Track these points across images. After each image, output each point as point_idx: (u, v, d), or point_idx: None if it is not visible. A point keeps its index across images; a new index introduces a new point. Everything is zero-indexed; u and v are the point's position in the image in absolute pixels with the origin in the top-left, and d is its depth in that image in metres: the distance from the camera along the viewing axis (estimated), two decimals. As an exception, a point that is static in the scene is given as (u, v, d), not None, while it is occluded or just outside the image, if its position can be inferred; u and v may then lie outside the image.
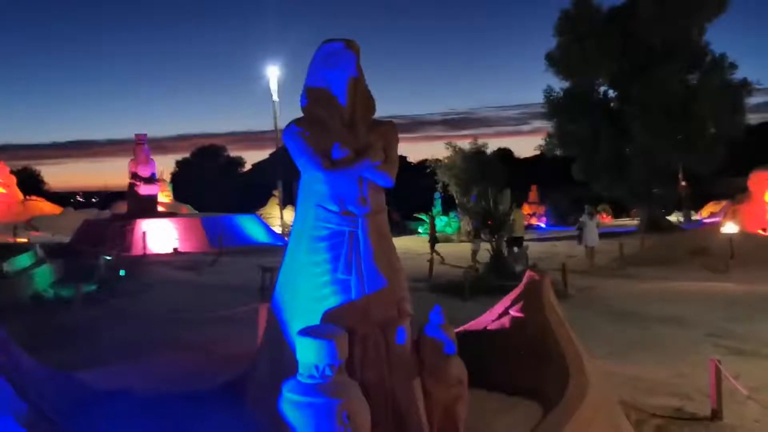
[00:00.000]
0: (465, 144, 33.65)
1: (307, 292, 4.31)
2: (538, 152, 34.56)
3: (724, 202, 37.35)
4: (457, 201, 31.21)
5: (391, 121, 4.64)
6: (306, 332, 3.96)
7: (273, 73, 29.86)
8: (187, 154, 66.92)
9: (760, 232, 19.03)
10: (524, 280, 5.63)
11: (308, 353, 3.87)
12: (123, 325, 10.06)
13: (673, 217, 36.74)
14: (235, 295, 12.94)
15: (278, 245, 21.23)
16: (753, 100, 31.33)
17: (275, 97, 29.66)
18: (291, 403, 3.85)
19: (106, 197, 52.42)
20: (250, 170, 69.40)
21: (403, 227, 37.43)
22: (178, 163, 64.74)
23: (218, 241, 18.49)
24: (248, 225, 21.78)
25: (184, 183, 52.23)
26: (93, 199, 70.93)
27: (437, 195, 34.91)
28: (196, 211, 33.77)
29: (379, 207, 4.38)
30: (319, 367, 3.85)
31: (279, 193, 32.33)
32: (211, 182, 56.13)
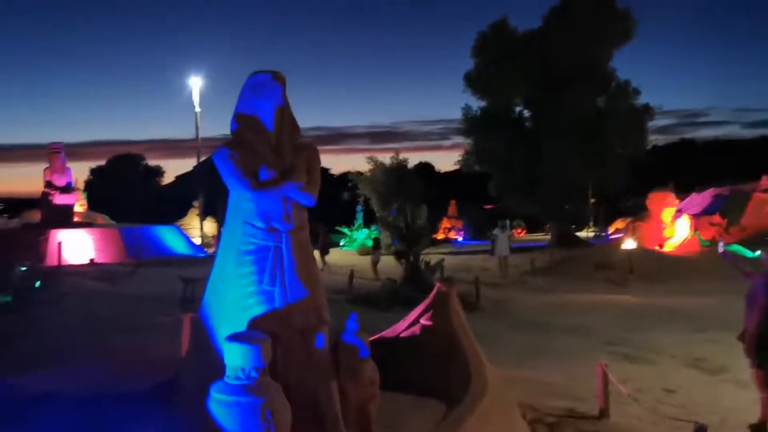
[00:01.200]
0: (386, 158, 34.41)
1: (234, 302, 4.68)
2: (457, 167, 35.63)
3: (629, 220, 39.54)
4: (377, 215, 31.85)
5: (313, 145, 5.08)
6: (234, 338, 4.34)
7: (195, 83, 29.79)
8: (101, 161, 65.17)
9: (657, 248, 20.46)
10: (433, 291, 6.17)
11: (235, 357, 4.24)
12: (42, 333, 10.04)
13: (583, 233, 38.53)
14: (154, 305, 13.03)
15: (198, 257, 21.23)
16: (660, 122, 33.43)
17: (197, 108, 29.55)
18: (219, 403, 4.22)
19: (12, 204, 50.40)
20: (173, 182, 68.28)
21: (327, 240, 37.75)
22: (92, 170, 62.95)
23: (136, 252, 18.37)
24: (168, 236, 21.65)
25: (99, 192, 50.89)
26: (-3, 206, 67.97)
27: (359, 208, 35.48)
28: (113, 222, 33.12)
29: (302, 224, 4.81)
30: (245, 369, 4.22)
31: (199, 204, 32.09)
32: (129, 192, 54.88)
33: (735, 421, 7.16)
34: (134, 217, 34.52)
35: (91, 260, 18.08)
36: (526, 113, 32.75)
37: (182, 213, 40.44)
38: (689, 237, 21.79)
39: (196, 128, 30.01)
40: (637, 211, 37.25)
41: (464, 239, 41.99)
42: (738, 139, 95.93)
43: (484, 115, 31.96)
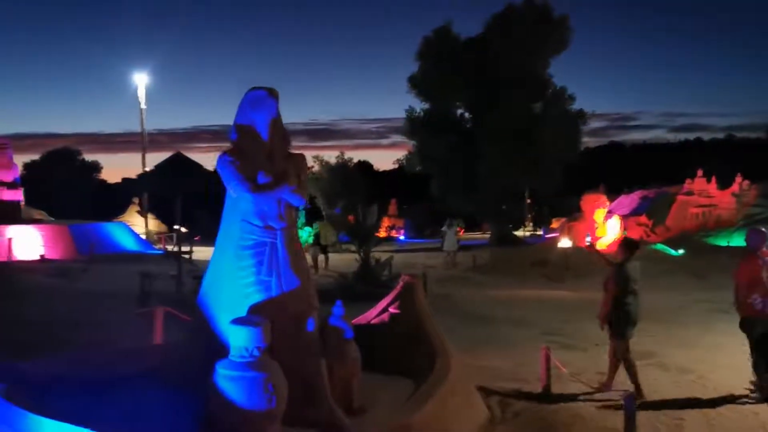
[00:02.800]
0: (331, 157, 35.13)
1: (234, 291, 5.32)
2: (396, 166, 36.68)
3: (563, 220, 41.32)
4: (324, 213, 32.55)
5: (302, 153, 5.77)
6: (238, 321, 4.98)
7: (141, 80, 29.75)
8: (34, 156, 63.52)
9: (587, 246, 21.80)
10: (400, 283, 6.92)
11: (240, 338, 4.88)
12: (10, 328, 10.31)
13: (521, 232, 40.07)
14: (113, 301, 13.38)
15: (148, 253, 21.44)
16: (591, 125, 35.10)
17: (143, 105, 29.53)
18: (225, 378, 4.85)
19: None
20: (119, 183, 67.20)
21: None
22: (26, 165, 61.27)
23: (90, 249, 18.51)
24: (117, 233, 21.76)
25: (33, 187, 49.67)
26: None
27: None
28: (51, 218, 32.67)
29: (292, 222, 5.49)
30: (248, 348, 4.87)
31: (142, 201, 32.02)
32: (64, 188, 53.72)
33: (657, 397, 8.14)
34: (70, 214, 34.13)
35: (42, 256, 18.13)
36: (467, 116, 33.92)
37: (121, 210, 40.14)
38: (619, 236, 23.19)
39: (142, 124, 29.99)
40: (572, 211, 39.07)
41: (406, 237, 42.97)
42: (664, 142, 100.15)
43: (427, 117, 33.00)
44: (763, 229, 8.38)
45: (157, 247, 24.36)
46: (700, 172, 33.13)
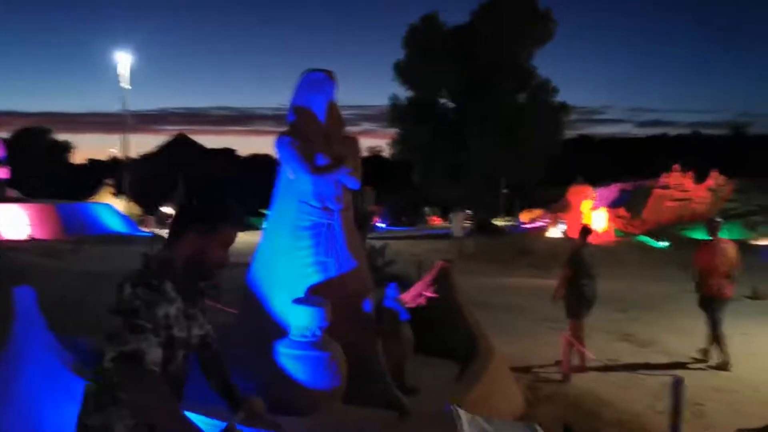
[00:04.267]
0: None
1: (292, 271, 5.37)
2: (368, 154, 36.73)
3: (539, 210, 41.79)
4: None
5: (355, 137, 5.82)
6: (300, 301, 5.04)
7: (123, 59, 29.21)
8: (3, 134, 61.97)
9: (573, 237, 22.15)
10: (435, 268, 7.03)
11: (302, 318, 4.94)
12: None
13: (499, 221, 40.42)
14: (113, 282, 13.26)
15: (136, 235, 21.19)
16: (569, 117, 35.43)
17: (125, 84, 29.04)
18: (288, 357, 4.91)
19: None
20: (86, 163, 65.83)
21: (243, 222, 37.85)
22: (-4, 143, 59.66)
23: (79, 229, 18.25)
24: (104, 214, 21.47)
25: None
26: None
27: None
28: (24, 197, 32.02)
29: (348, 205, 5.55)
30: (311, 328, 4.94)
31: (122, 183, 31.58)
32: (34, 166, 52.58)
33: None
34: (41, 194, 33.47)
35: (30, 236, 17.83)
36: (452, 105, 34.05)
37: (93, 191, 39.43)
38: (606, 228, 23.66)
39: (124, 104, 29.49)
40: (548, 201, 39.52)
41: (386, 225, 43.05)
42: (631, 137, 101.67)
43: (411, 106, 33.04)
44: (720, 219, 9.87)
45: (144, 229, 24.08)
46: (676, 167, 33.78)
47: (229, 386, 2.78)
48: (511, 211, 44.71)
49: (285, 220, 5.50)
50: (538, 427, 2.99)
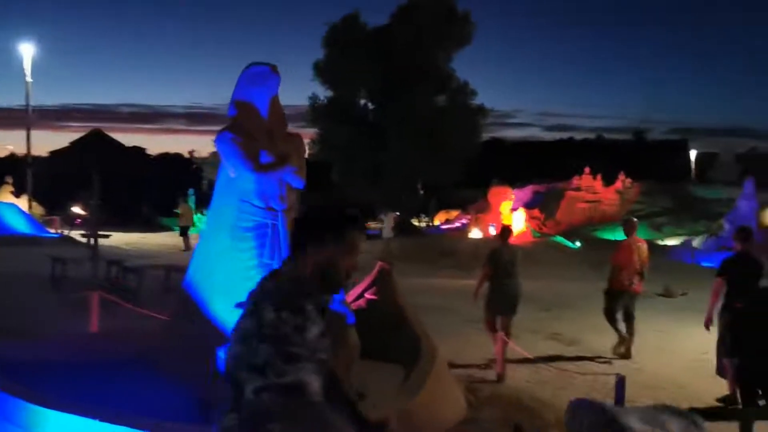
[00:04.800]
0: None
1: (233, 274, 5.10)
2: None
3: (455, 211, 42.38)
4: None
5: (299, 134, 5.61)
6: (243, 305, 4.78)
7: (27, 50, 27.55)
8: None
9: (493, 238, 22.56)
10: (376, 269, 6.88)
11: (246, 323, 4.70)
12: None
13: (417, 223, 40.72)
14: (24, 285, 12.54)
15: (43, 236, 20.06)
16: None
17: (29, 77, 27.40)
18: (232, 364, 4.66)
19: None
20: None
21: (154, 222, 36.62)
22: None
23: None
24: (8, 214, 20.19)
25: None
26: None
27: (191, 191, 34.92)
28: None
29: (292, 204, 5.32)
30: (256, 334, 4.70)
31: (25, 182, 29.75)
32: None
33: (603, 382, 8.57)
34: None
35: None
36: (371, 106, 34.03)
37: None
38: (525, 229, 24.18)
39: (27, 97, 27.81)
40: (464, 202, 40.13)
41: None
42: (540, 140, 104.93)
43: (331, 106, 32.80)
44: (635, 219, 10.64)
45: (51, 230, 22.81)
46: (587, 170, 35.06)
47: (354, 406, 2.58)
48: (427, 212, 45.12)
49: (225, 221, 5.23)
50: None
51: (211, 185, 23.83)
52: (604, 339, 10.81)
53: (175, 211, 35.56)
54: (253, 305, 2.14)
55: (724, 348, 7.46)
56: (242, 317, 2.15)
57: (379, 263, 6.92)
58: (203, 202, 36.35)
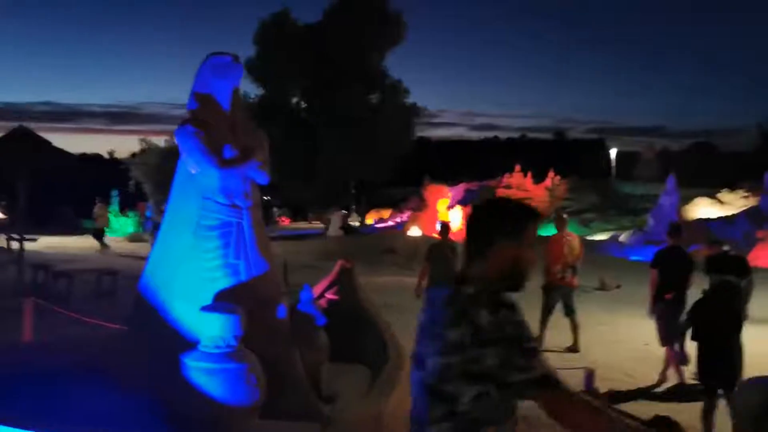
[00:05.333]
0: (160, 140, 33.12)
1: (195, 275, 4.81)
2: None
3: (387, 210, 42.47)
4: (151, 200, 30.64)
5: (261, 129, 5.37)
6: (211, 308, 4.52)
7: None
8: None
9: (435, 235, 22.59)
10: (336, 268, 6.69)
11: (214, 327, 4.42)
12: None
13: (352, 222, 40.61)
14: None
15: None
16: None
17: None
18: (201, 371, 4.38)
19: None
20: None
21: (75, 225, 35.15)
22: None
23: None
24: None
25: None
26: None
27: (115, 192, 33.75)
28: None
29: (257, 201, 5.08)
30: (225, 338, 4.43)
31: None
32: None
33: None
34: None
35: None
36: (304, 105, 33.66)
37: None
38: (461, 226, 24.29)
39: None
40: (394, 201, 40.24)
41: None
42: (466, 139, 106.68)
43: (262, 104, 32.23)
44: (565, 216, 10.91)
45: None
46: (517, 168, 35.76)
47: None
48: (359, 211, 45.08)
49: (186, 220, 4.93)
50: None
51: (139, 186, 23.09)
52: (553, 335, 10.93)
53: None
54: (457, 313, 2.09)
55: (661, 335, 8.12)
56: (445, 328, 2.09)
57: (340, 261, 6.73)
58: (128, 203, 35.21)
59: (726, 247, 8.96)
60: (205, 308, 4.53)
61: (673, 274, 8.04)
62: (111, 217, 33.14)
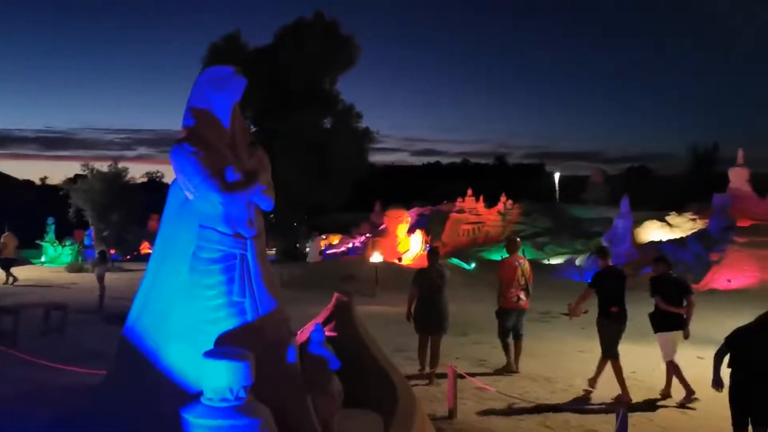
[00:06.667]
0: (103, 166, 31.81)
1: (194, 315, 4.21)
2: (146, 179, 34.44)
3: (335, 235, 41.82)
4: (92, 227, 29.25)
5: (261, 148, 4.81)
6: (216, 354, 3.91)
7: None
8: None
9: (396, 261, 22.16)
10: (332, 301, 6.13)
11: (220, 376, 3.83)
12: None
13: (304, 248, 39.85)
14: None
15: None
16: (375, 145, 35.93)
17: None
18: (206, 429, 3.77)
19: None
20: None
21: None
22: None
23: None
24: None
25: None
26: None
27: (50, 220, 32.23)
28: None
29: (261, 230, 4.52)
30: (233, 389, 3.84)
31: None
32: None
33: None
34: None
35: None
36: (254, 128, 32.95)
37: None
38: (422, 251, 23.95)
39: None
40: (347, 226, 39.67)
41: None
42: (409, 165, 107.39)
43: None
44: (518, 239, 11.17)
45: None
46: (470, 192, 35.77)
47: None
48: (309, 237, 44.34)
49: (181, 252, 4.33)
50: None
51: (79, 213, 21.90)
52: (527, 362, 10.57)
53: (40, 242, 32.54)
54: None
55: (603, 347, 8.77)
56: None
57: (336, 294, 6.17)
58: (66, 231, 33.59)
59: (667, 269, 9.08)
60: (209, 354, 3.92)
61: (613, 291, 8.70)
62: (46, 245, 31.55)
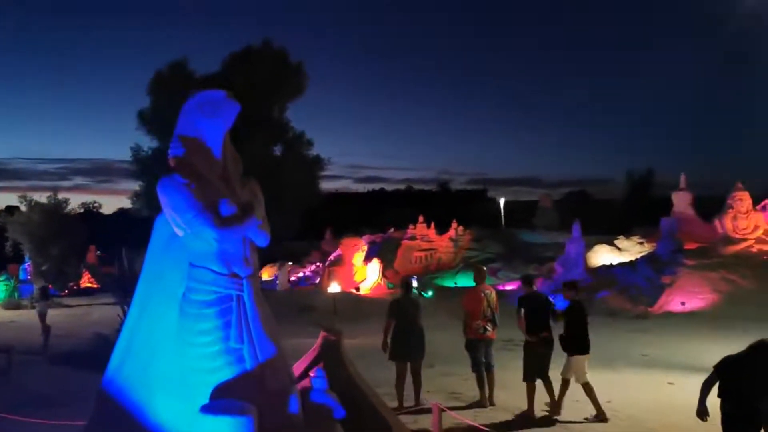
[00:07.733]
0: (42, 197, 30.46)
1: (189, 364, 3.80)
2: (81, 210, 33.13)
3: (275, 265, 40.98)
4: (30, 261, 27.90)
5: (254, 178, 4.47)
6: (215, 409, 3.52)
7: None
8: None
9: (354, 291, 21.73)
10: (319, 340, 5.76)
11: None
12: None
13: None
14: None
15: None
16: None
17: None
18: (208, 494, 3.37)
19: None
20: None
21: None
22: None
23: None
24: None
25: None
26: None
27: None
28: None
29: (256, 268, 4.15)
30: (236, 447, 3.45)
31: None
32: None
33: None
34: None
35: None
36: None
37: None
38: (379, 280, 23.59)
39: None
40: (295, 256, 39.00)
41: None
42: (353, 192, 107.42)
43: (157, 156, 30.46)
44: (485, 268, 11.14)
45: None
46: (421, 218, 35.67)
47: None
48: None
49: (169, 293, 3.93)
50: None
51: (16, 247, 20.70)
52: (511, 395, 10.31)
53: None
54: None
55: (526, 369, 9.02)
56: None
57: (323, 333, 5.80)
58: (1, 266, 31.97)
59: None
60: (207, 409, 3.53)
61: (538, 315, 8.97)
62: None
